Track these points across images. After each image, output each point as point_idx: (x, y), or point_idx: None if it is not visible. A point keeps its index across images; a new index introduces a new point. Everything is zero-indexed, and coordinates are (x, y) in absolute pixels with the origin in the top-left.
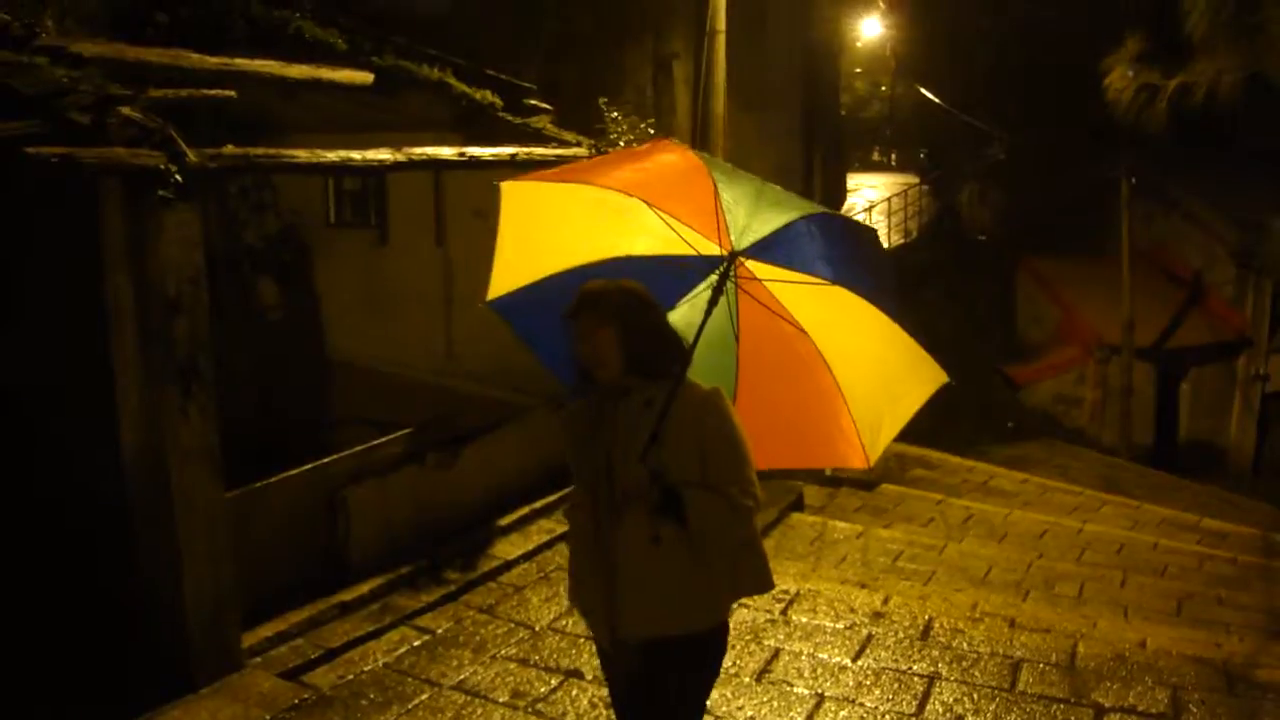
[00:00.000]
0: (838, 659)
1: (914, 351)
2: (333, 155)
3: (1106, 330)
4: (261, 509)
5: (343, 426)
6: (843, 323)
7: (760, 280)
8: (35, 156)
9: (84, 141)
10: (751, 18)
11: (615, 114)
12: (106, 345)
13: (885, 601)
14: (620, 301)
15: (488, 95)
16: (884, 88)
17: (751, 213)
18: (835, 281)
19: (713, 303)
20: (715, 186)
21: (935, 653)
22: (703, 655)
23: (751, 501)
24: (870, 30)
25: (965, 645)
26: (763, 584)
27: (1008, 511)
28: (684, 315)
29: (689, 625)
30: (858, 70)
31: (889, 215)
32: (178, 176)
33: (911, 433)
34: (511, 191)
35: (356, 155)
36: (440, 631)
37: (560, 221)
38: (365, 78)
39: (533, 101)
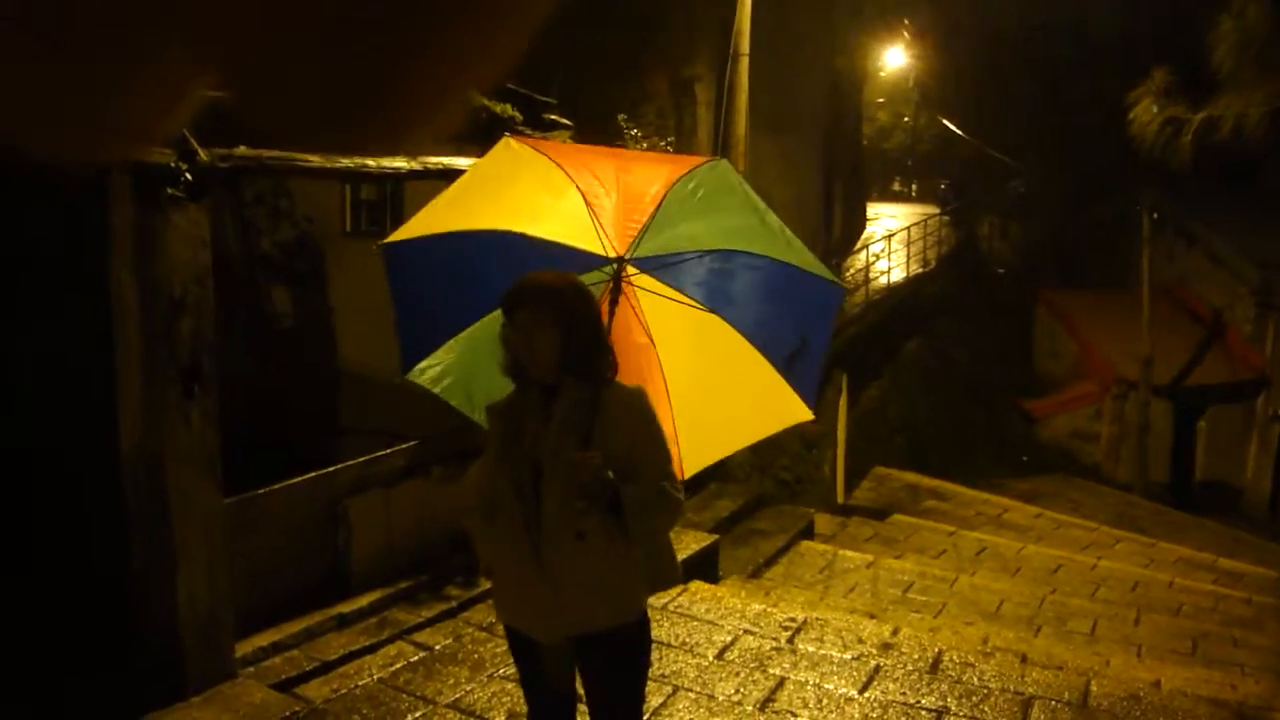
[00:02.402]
0: (844, 690)
1: (776, 389)
2: (347, 161)
3: (1124, 366)
4: (261, 517)
5: (352, 437)
6: (699, 346)
7: (636, 288)
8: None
9: None
10: (777, 44)
11: (635, 131)
12: (110, 343)
13: (894, 633)
14: (568, 300)
15: (508, 109)
16: (906, 119)
17: (680, 233)
18: (715, 311)
19: (613, 303)
20: (664, 199)
21: (944, 686)
22: (632, 649)
23: (679, 494)
24: (894, 61)
25: (975, 680)
26: (674, 577)
27: (1021, 545)
28: None
29: (617, 618)
30: (881, 100)
31: (908, 245)
32: (188, 175)
33: (925, 464)
34: (501, 148)
35: (371, 162)
36: (438, 648)
37: (496, 187)
38: None
39: (552, 116)
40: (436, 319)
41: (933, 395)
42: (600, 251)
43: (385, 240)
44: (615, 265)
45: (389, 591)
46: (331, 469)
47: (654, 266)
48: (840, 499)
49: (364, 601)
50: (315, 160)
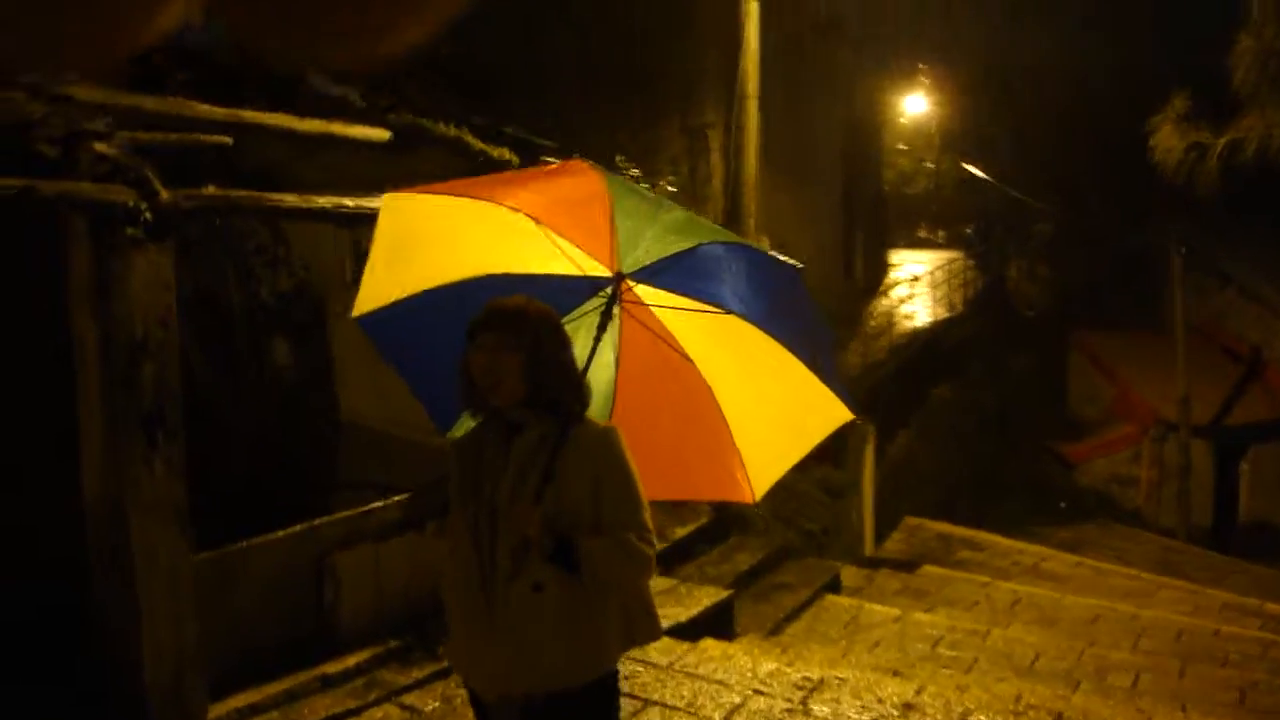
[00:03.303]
0: None
1: (813, 388)
2: (323, 201)
3: (1163, 407)
4: (242, 571)
5: (348, 490)
6: (734, 354)
7: (647, 305)
8: None
9: (50, 175)
10: (791, 93)
11: (635, 172)
12: (71, 389)
13: (919, 692)
14: (534, 323)
15: (505, 153)
16: (929, 163)
17: (652, 236)
18: (730, 311)
19: (601, 328)
20: (611, 208)
21: None
22: (592, 710)
23: (649, 548)
24: (914, 107)
25: None
26: (653, 632)
27: (1059, 596)
28: None
29: (573, 678)
30: (902, 147)
31: (932, 289)
32: (147, 215)
33: (958, 513)
34: (392, 204)
35: (349, 202)
36: (427, 710)
37: (439, 235)
38: (381, 134)
39: (551, 160)
40: (449, 379)
41: (964, 442)
42: (585, 273)
43: (356, 312)
44: (613, 284)
45: (378, 650)
46: (318, 522)
47: (649, 275)
48: (868, 550)
49: (351, 661)
50: (290, 200)
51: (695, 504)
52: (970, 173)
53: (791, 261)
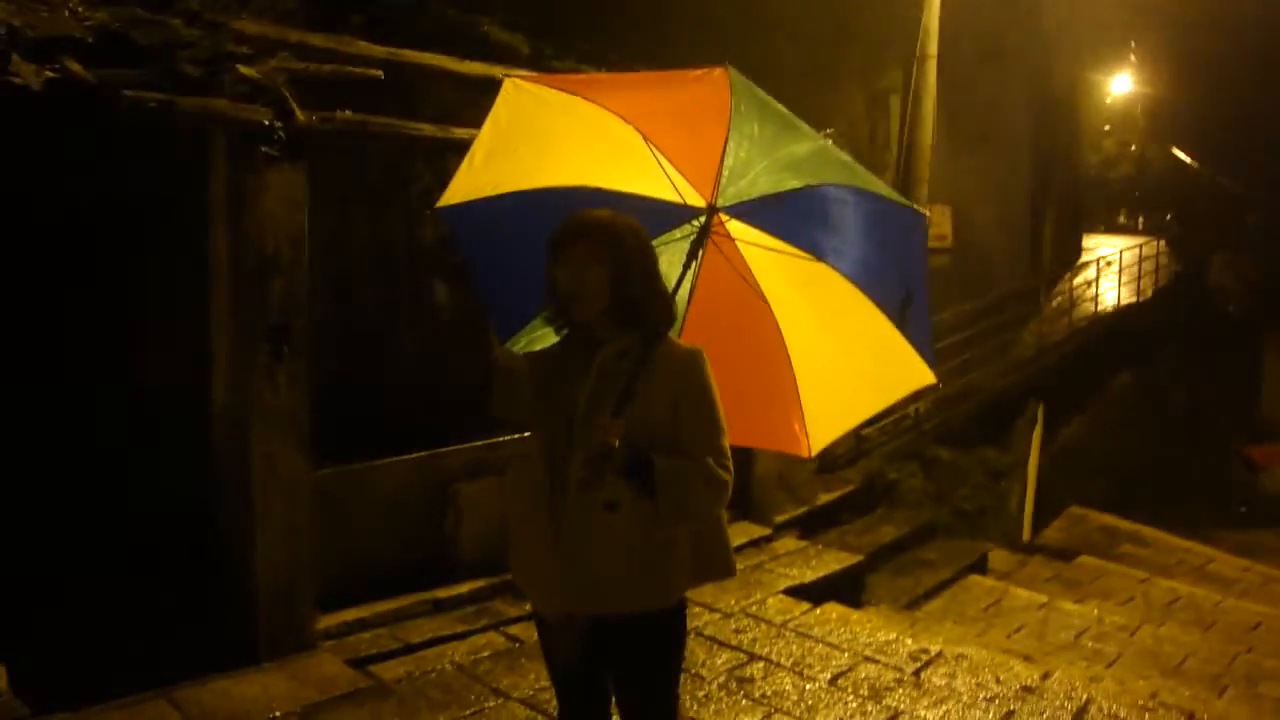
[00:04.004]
0: None
1: (896, 346)
2: (460, 132)
3: None
4: (365, 491)
5: (497, 429)
6: (815, 302)
7: (734, 240)
8: (134, 101)
9: (193, 94)
10: (983, 60)
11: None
12: (206, 300)
13: (1044, 677)
14: (622, 237)
15: None
16: (1134, 147)
17: (763, 169)
18: (822, 259)
19: (691, 255)
20: (728, 132)
21: None
22: (661, 641)
23: (727, 475)
24: (1120, 87)
25: None
26: (726, 568)
27: (1220, 599)
28: None
29: (639, 603)
30: (1107, 128)
31: (1119, 272)
32: (281, 133)
33: (1128, 508)
34: (510, 92)
35: None
36: (529, 642)
37: (543, 135)
38: None
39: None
40: (523, 286)
41: (1143, 434)
42: (681, 200)
43: (441, 204)
44: (705, 215)
45: (493, 581)
46: (444, 450)
47: (745, 212)
48: (1025, 536)
49: (464, 589)
50: (428, 129)
51: (844, 472)
52: (1176, 158)
53: (917, 208)
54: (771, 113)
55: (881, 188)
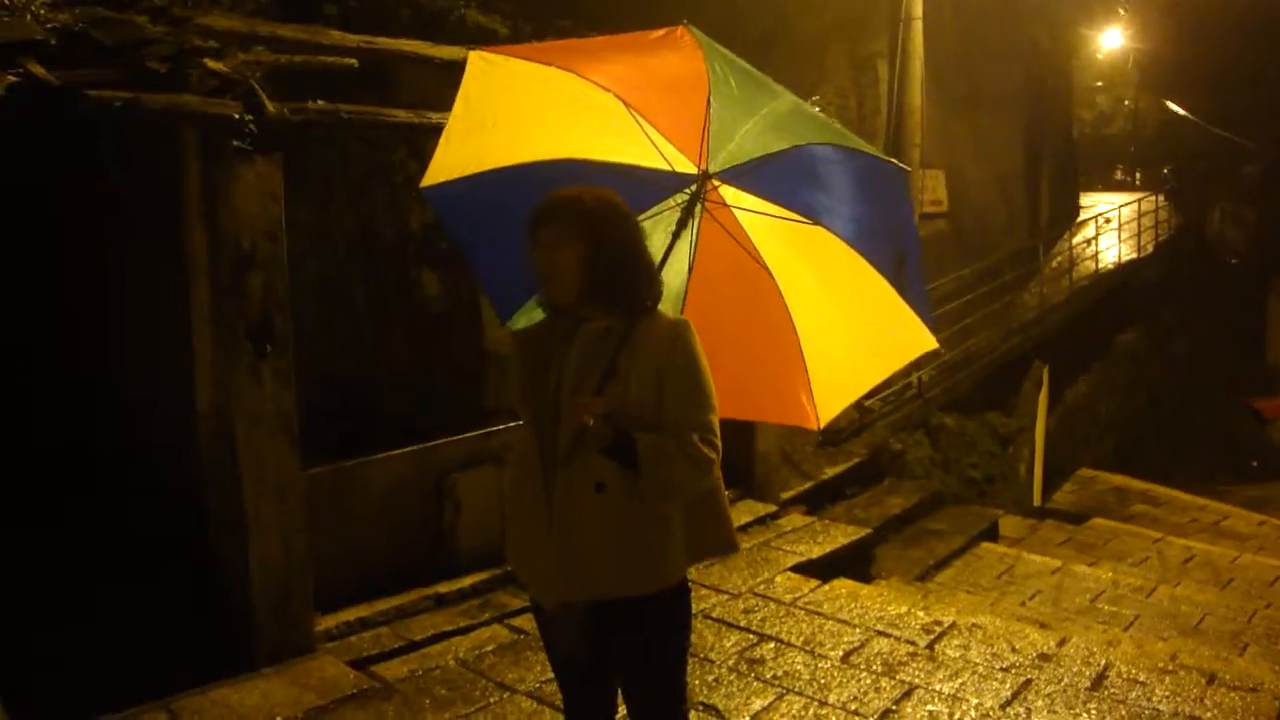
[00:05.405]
0: (981, 703)
1: (896, 311)
2: (438, 117)
3: None
4: (358, 487)
5: (494, 417)
6: (816, 268)
7: (730, 207)
8: (98, 100)
9: (160, 91)
10: (969, 19)
11: None
12: (186, 300)
13: (1061, 643)
14: (592, 213)
15: None
16: (1127, 102)
17: (748, 131)
18: (817, 221)
19: (681, 224)
20: (709, 95)
21: (1103, 708)
22: (663, 624)
23: (712, 451)
24: (1111, 42)
25: (1143, 701)
26: (726, 543)
27: (1236, 555)
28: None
29: (637, 585)
30: (1099, 84)
31: (1119, 229)
32: (252, 126)
33: (1138, 466)
34: (478, 65)
35: None
36: (533, 633)
37: (522, 108)
38: None
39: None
40: (516, 264)
41: (1149, 391)
42: (670, 168)
43: (425, 183)
44: (697, 183)
45: (496, 573)
46: (439, 441)
47: (737, 176)
48: (1036, 501)
49: (466, 582)
50: (402, 115)
51: (848, 445)
52: (1171, 111)
53: (896, 162)
54: (741, 70)
55: (861, 144)
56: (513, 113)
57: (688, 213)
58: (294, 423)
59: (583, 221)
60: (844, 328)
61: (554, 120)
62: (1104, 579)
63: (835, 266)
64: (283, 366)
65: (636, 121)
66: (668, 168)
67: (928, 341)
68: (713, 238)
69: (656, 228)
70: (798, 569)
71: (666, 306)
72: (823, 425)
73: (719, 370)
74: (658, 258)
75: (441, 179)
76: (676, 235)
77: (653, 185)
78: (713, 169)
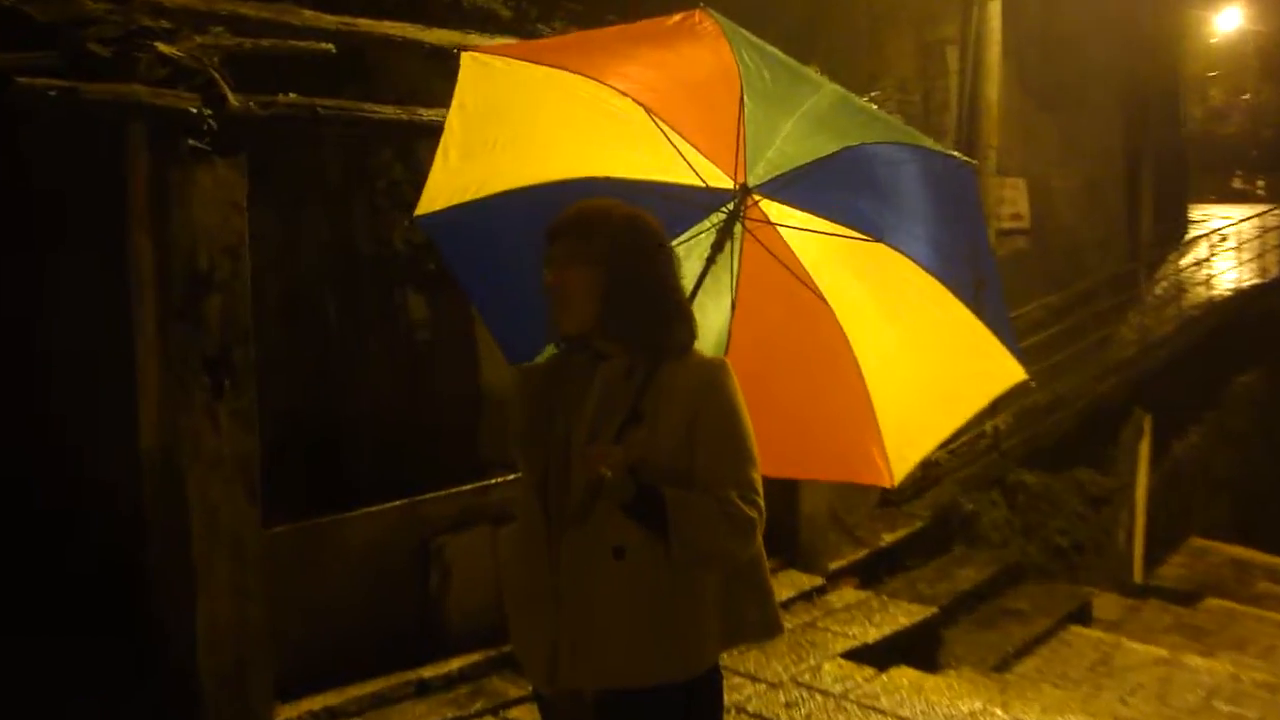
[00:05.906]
0: None
1: (978, 338)
2: (430, 113)
3: None
4: (329, 549)
5: (490, 468)
6: (880, 293)
7: (775, 225)
8: (29, 89)
9: (102, 78)
10: (1056, 3)
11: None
12: (128, 324)
13: None
14: (618, 234)
15: None
16: (1246, 96)
17: (790, 133)
18: (880, 238)
19: (717, 248)
20: (742, 94)
21: None
22: (682, 717)
23: (755, 511)
24: (1228, 23)
25: None
26: (767, 625)
27: None
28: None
29: (658, 674)
30: (1213, 74)
31: (1237, 248)
32: (212, 122)
33: (1261, 535)
34: (474, 68)
35: None
36: None
37: (529, 120)
38: None
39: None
40: (526, 303)
41: (1273, 445)
42: (704, 183)
43: (419, 212)
44: (735, 199)
45: (490, 654)
46: (424, 497)
47: (782, 188)
48: (1137, 576)
49: (455, 665)
50: (388, 111)
51: (910, 506)
52: None
53: (962, 158)
54: (774, 59)
55: (921, 139)
56: (519, 125)
57: (725, 234)
58: (255, 471)
59: (605, 241)
60: (917, 363)
61: (567, 133)
62: (1221, 672)
63: (903, 290)
64: (243, 406)
65: (661, 130)
66: (700, 183)
67: (1016, 372)
68: (757, 263)
69: (690, 254)
70: (850, 655)
71: (707, 348)
72: (898, 482)
73: (770, 421)
74: (688, 289)
75: (440, 205)
76: (711, 260)
77: (684, 205)
78: (752, 182)
